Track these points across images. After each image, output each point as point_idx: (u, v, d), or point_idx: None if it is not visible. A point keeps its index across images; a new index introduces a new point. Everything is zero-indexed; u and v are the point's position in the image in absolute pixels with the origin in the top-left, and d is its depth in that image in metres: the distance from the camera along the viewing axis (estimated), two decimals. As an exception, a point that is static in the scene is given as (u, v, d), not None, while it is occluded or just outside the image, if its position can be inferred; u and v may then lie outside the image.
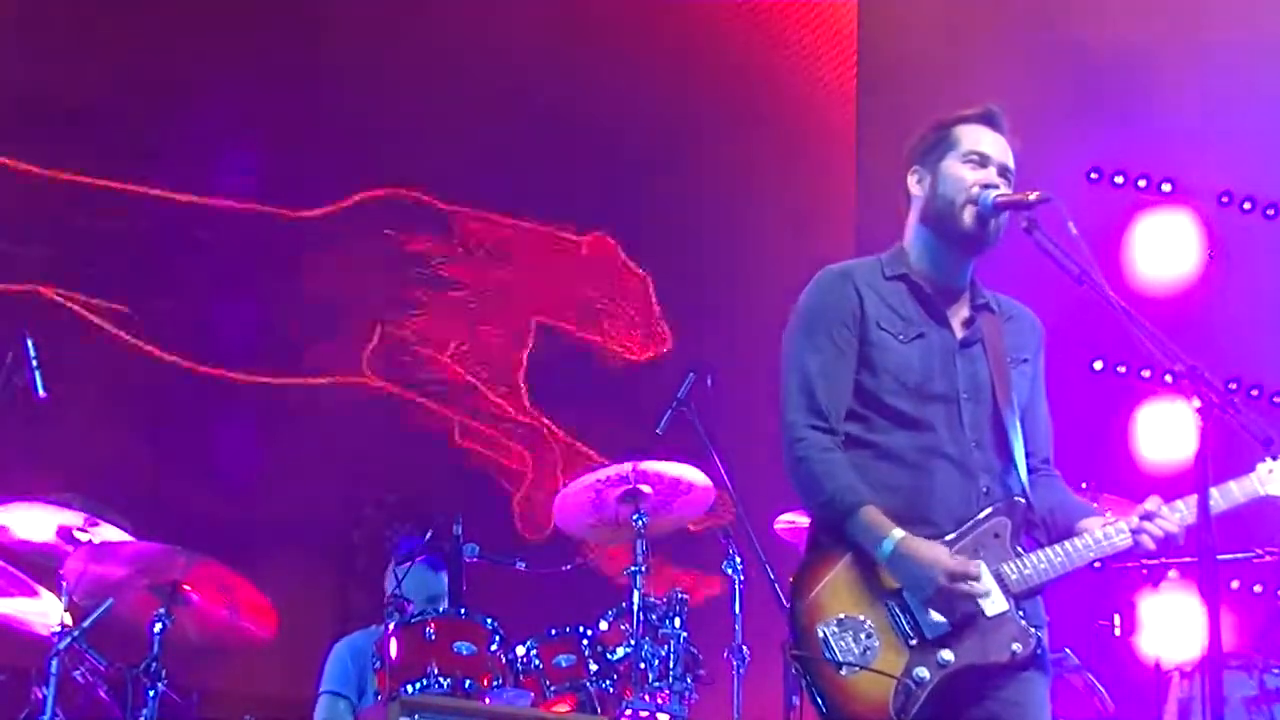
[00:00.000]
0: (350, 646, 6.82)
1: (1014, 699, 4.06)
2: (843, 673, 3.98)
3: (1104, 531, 4.12)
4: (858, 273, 4.30)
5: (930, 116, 4.40)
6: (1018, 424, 4.22)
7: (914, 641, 4.01)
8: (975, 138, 4.29)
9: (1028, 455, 4.27)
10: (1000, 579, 4.05)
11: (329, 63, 8.59)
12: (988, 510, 4.12)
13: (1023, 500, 4.16)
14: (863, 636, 4.01)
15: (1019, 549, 4.10)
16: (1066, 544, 4.11)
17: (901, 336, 4.22)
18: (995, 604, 4.04)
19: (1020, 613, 4.06)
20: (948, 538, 4.08)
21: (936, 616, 4.02)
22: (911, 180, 4.36)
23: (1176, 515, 4.09)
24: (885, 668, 3.98)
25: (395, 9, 8.76)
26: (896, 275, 4.30)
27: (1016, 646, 4.03)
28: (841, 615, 4.04)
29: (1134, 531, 4.09)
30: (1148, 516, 4.09)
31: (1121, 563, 6.79)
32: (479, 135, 8.65)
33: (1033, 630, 4.05)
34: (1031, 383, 4.35)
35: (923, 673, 3.98)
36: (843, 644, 4.00)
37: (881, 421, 4.18)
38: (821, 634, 4.02)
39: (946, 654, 4.00)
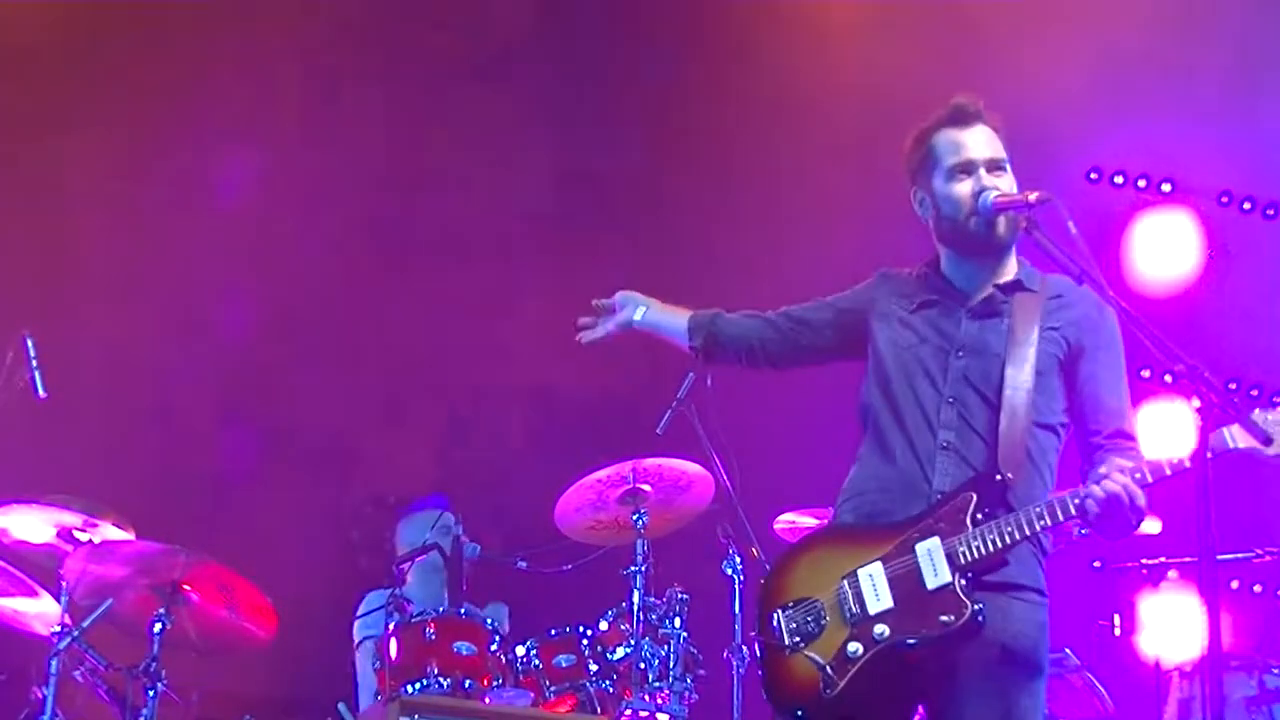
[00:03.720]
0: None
1: (954, 693, 4.03)
2: (786, 654, 4.10)
3: (1059, 498, 4.02)
4: (898, 275, 4.47)
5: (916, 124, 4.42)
6: (1026, 397, 4.15)
7: (855, 618, 4.06)
8: (954, 146, 4.28)
9: (1093, 433, 4.19)
10: (949, 553, 4.03)
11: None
12: (959, 486, 4.09)
13: (1000, 476, 4.07)
14: (810, 618, 4.11)
15: (977, 519, 4.03)
16: (1020, 513, 4.02)
17: (910, 307, 4.33)
18: (938, 577, 4.03)
19: (965, 584, 3.99)
20: (895, 521, 4.12)
21: (883, 593, 4.05)
22: (915, 203, 4.40)
23: (1136, 475, 3.95)
24: (827, 645, 4.06)
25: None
26: (920, 274, 4.40)
27: (946, 618, 3.98)
28: (798, 597, 4.14)
29: (1083, 496, 3.98)
30: (1098, 479, 3.99)
31: (1121, 562, 6.85)
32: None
33: (969, 602, 3.97)
34: (1091, 357, 4.23)
35: (855, 648, 4.04)
36: (792, 625, 4.13)
37: (873, 417, 4.30)
38: (775, 618, 4.15)
39: (881, 628, 4.03)
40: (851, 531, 4.21)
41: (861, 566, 4.10)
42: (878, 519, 4.18)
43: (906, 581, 4.05)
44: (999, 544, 4.01)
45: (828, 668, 4.04)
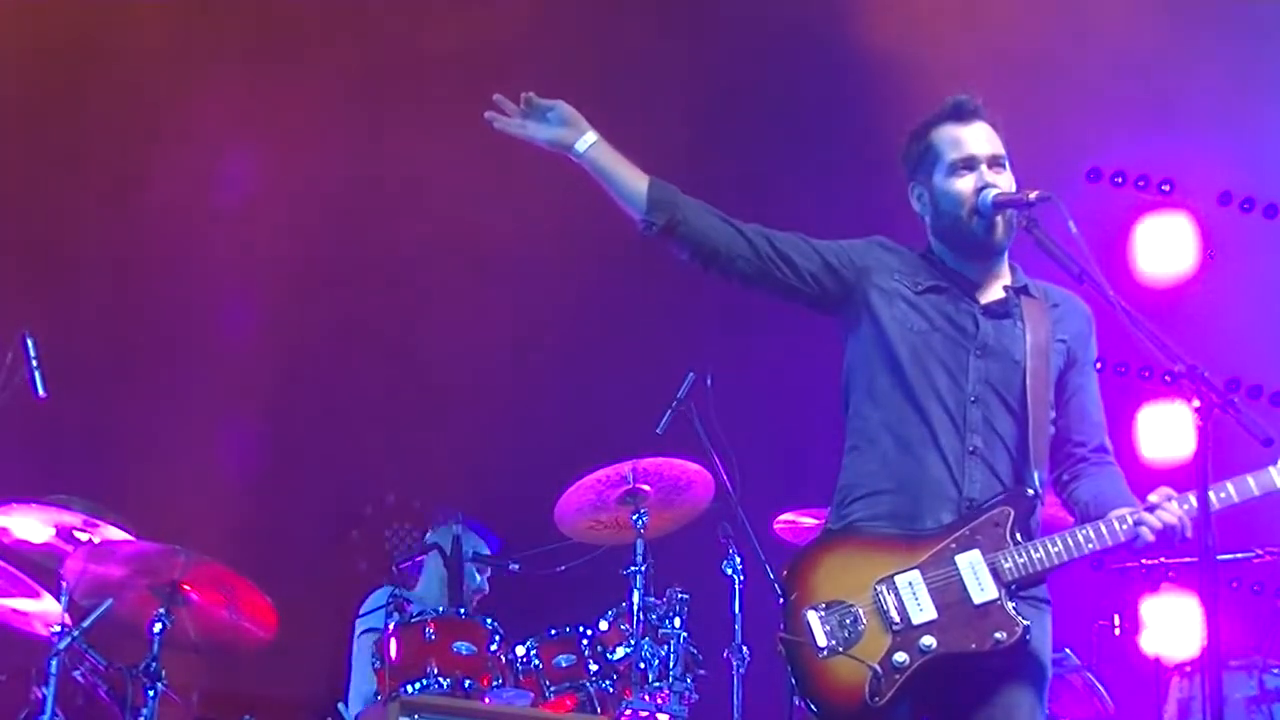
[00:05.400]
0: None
1: (995, 700, 4.03)
2: (822, 656, 4.00)
3: (1107, 522, 4.07)
4: (896, 249, 4.36)
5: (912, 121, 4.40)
6: (1047, 410, 4.18)
7: (898, 626, 4.01)
8: (955, 142, 4.26)
9: (1077, 444, 4.26)
10: (994, 568, 4.03)
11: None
12: (993, 499, 4.10)
13: (1033, 491, 4.10)
14: (849, 621, 4.03)
15: (1018, 538, 4.06)
16: (1067, 534, 4.07)
17: (917, 288, 4.25)
18: (985, 592, 4.02)
19: (1011, 602, 4.02)
20: (925, 527, 4.08)
21: (924, 603, 4.02)
22: (913, 198, 4.37)
23: (1184, 506, 4.04)
24: (868, 652, 3.99)
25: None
26: (922, 255, 4.34)
27: (1000, 635, 3.99)
28: (831, 599, 4.05)
29: (1135, 523, 4.04)
30: (1150, 508, 4.06)
31: (1121, 562, 6.84)
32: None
33: (1020, 620, 4.00)
34: (1080, 370, 4.30)
35: (902, 658, 3.99)
36: (827, 627, 4.03)
37: (879, 399, 4.21)
38: (807, 617, 4.04)
39: (928, 639, 3.99)
40: (878, 535, 4.12)
41: (898, 573, 4.04)
42: (900, 521, 4.12)
43: (949, 593, 4.02)
44: (1045, 564, 4.05)
45: (880, 676, 3.97)
